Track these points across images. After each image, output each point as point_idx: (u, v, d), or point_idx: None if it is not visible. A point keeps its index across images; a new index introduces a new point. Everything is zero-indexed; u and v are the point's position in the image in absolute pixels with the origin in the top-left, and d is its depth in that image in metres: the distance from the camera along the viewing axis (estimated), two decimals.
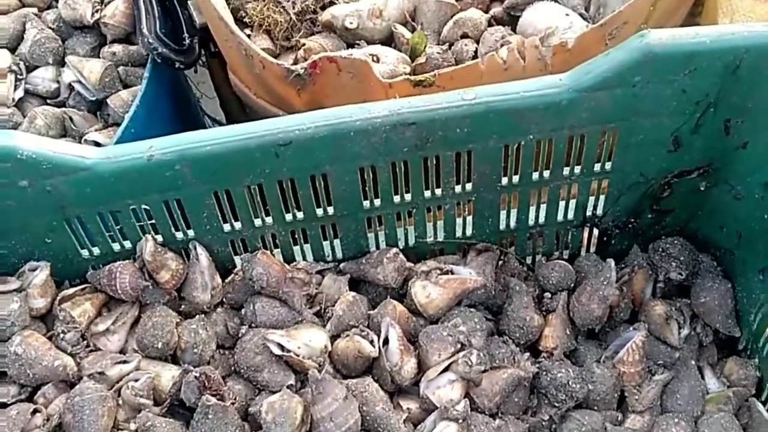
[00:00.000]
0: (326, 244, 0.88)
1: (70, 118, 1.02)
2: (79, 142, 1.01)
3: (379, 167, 0.80)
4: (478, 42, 1.02)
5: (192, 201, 0.79)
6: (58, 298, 0.81)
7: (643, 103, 0.78)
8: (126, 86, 1.05)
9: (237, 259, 0.86)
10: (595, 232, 0.92)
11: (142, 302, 0.83)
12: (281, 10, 1.01)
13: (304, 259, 0.88)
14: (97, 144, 0.99)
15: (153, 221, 0.80)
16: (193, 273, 0.83)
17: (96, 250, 0.83)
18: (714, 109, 0.80)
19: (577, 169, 0.85)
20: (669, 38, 0.74)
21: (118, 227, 0.80)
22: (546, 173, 0.84)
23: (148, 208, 0.79)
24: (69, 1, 1.06)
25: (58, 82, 1.06)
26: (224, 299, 0.85)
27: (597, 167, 0.85)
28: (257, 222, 0.83)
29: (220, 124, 1.28)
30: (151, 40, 0.97)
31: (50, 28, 1.07)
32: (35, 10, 1.08)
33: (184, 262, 0.83)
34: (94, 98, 1.04)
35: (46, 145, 0.73)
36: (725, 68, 0.76)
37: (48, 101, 1.06)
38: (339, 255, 0.89)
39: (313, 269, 0.86)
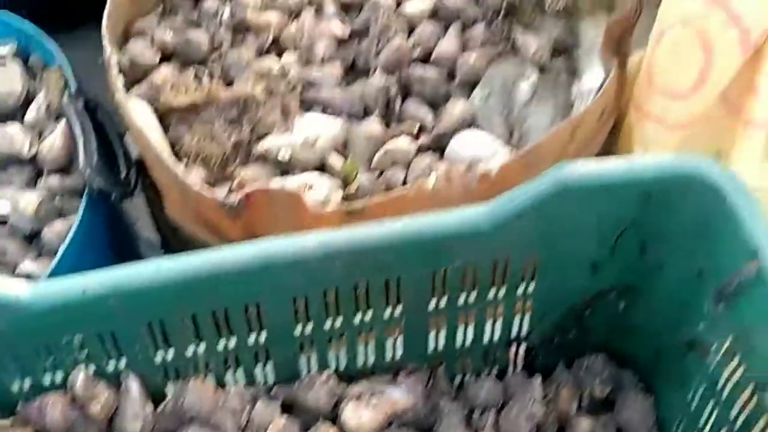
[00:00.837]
0: (258, 368, 0.89)
1: (4, 251, 1.03)
2: (13, 272, 1.02)
3: (311, 295, 0.82)
4: (407, 168, 1.07)
5: (125, 332, 0.80)
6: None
7: (561, 230, 0.83)
8: (61, 215, 1.06)
9: (170, 386, 0.87)
10: (522, 349, 0.95)
11: None
12: (217, 142, 1.04)
13: (236, 383, 0.89)
14: (28, 276, 1.00)
15: (85, 350, 0.81)
16: (124, 402, 0.83)
17: (27, 383, 0.82)
18: (630, 233, 0.85)
19: (502, 292, 0.88)
20: (584, 170, 0.80)
21: (51, 358, 0.81)
22: (472, 297, 0.88)
23: (81, 337, 0.80)
24: (6, 137, 1.09)
25: None
26: (155, 428, 0.85)
27: (520, 290, 0.89)
28: (190, 350, 0.84)
29: (155, 247, 1.29)
30: (88, 174, 0.99)
31: None
32: None
33: (116, 392, 0.84)
34: (30, 229, 1.05)
35: None
36: (638, 196, 0.82)
37: None
38: (271, 379, 0.90)
39: (246, 395, 0.87)
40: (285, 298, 0.82)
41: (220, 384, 0.88)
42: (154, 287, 0.77)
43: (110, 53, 1.06)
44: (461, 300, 0.88)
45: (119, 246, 1.15)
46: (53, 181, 1.08)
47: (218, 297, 0.80)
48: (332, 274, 0.81)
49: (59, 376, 0.83)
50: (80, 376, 0.81)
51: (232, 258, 0.78)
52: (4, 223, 1.06)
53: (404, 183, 1.06)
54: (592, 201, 0.81)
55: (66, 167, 1.10)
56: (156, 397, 0.86)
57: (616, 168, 0.80)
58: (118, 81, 1.04)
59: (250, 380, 0.89)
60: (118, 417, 0.83)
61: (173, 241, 1.15)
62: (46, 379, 0.83)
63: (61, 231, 1.04)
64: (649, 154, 1.04)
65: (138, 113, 1.02)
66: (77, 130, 1.03)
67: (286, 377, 0.90)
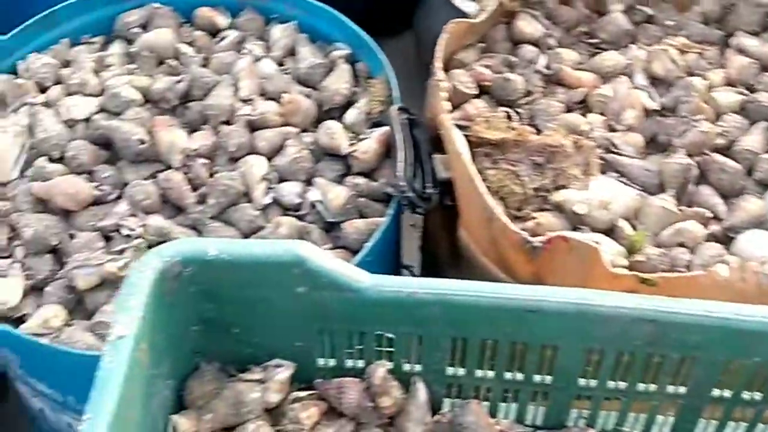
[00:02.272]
0: (531, 408, 0.93)
1: (308, 233, 1.12)
2: None
3: (608, 352, 0.85)
4: (692, 253, 1.08)
5: (432, 340, 0.86)
6: (291, 397, 0.88)
7: None
8: (361, 216, 1.15)
9: (446, 402, 0.92)
10: None
11: (358, 421, 0.89)
12: (520, 182, 1.10)
13: (506, 417, 0.93)
14: None
15: (390, 348, 0.88)
16: (411, 406, 0.89)
17: (331, 362, 0.90)
18: None
19: None
20: None
21: (359, 347, 0.88)
22: (757, 395, 0.88)
23: (392, 336, 0.86)
24: (329, 130, 1.19)
25: (301, 198, 1.16)
26: None
27: None
28: (479, 373, 0.90)
29: (410, 268, 1.35)
30: (402, 184, 1.07)
31: (306, 149, 1.18)
32: (297, 130, 1.21)
33: (405, 392, 0.90)
34: (332, 220, 1.14)
35: (331, 262, 0.82)
36: None
37: (287, 213, 1.16)
38: (538, 422, 0.94)
39: (515, 431, 0.91)
40: (583, 348, 0.85)
41: (491, 413, 0.92)
42: (472, 305, 0.82)
43: (440, 78, 1.14)
44: (746, 396, 0.88)
45: (392, 257, 1.23)
46: (360, 181, 1.17)
47: (524, 331, 0.84)
48: (636, 338, 0.83)
49: (360, 364, 0.90)
50: (380, 371, 0.88)
51: (546, 296, 0.82)
52: (311, 210, 1.15)
53: (687, 267, 1.07)
54: None
55: (372, 171, 1.18)
56: (432, 408, 0.91)
57: None
58: (444, 104, 1.12)
59: (519, 418, 0.93)
60: (402, 417, 0.89)
61: (444, 265, 1.21)
62: (348, 364, 0.90)
63: (361, 228, 1.12)
64: None
65: (458, 138, 1.09)
66: (399, 142, 1.11)
67: (552, 425, 0.93)
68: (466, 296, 0.82)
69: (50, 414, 1.19)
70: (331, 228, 1.16)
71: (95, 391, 0.72)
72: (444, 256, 1.23)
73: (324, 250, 0.82)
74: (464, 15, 1.32)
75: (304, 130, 1.23)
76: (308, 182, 1.18)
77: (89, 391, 1.08)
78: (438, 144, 1.16)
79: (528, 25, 1.28)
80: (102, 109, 1.22)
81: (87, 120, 1.21)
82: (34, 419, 1.31)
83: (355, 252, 1.12)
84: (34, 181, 1.15)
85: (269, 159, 1.19)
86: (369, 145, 1.18)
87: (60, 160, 1.18)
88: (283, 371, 0.88)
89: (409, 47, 1.80)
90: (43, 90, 1.25)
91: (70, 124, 1.20)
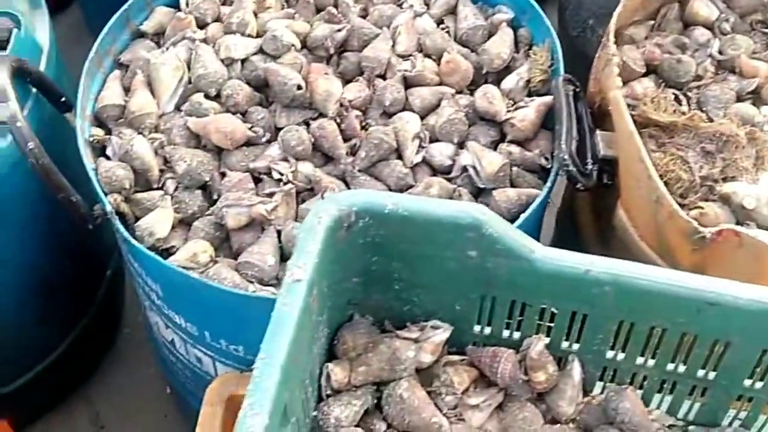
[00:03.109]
0: (687, 403, 0.89)
1: (459, 196, 1.10)
2: None
3: None
4: None
5: (596, 321, 0.83)
6: (444, 360, 0.86)
7: None
8: (512, 185, 1.12)
9: (598, 384, 0.90)
10: None
11: (508, 392, 0.87)
12: (687, 168, 1.05)
13: (659, 408, 0.90)
14: None
15: (550, 324, 0.85)
16: (564, 384, 0.87)
17: (487, 330, 0.88)
18: None
19: None
20: None
21: (519, 318, 0.86)
22: None
23: (555, 311, 0.84)
24: (487, 95, 1.16)
25: (452, 160, 1.14)
26: (579, 415, 0.88)
27: None
28: (640, 360, 0.86)
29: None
30: (566, 157, 1.03)
31: (462, 111, 1.16)
32: (453, 91, 1.18)
33: (558, 370, 0.87)
34: (482, 186, 1.11)
35: (508, 229, 0.80)
36: None
37: (436, 174, 1.14)
38: (691, 417, 0.90)
39: (666, 423, 0.88)
40: (758, 348, 0.81)
41: (644, 401, 0.89)
42: (647, 290, 0.79)
43: (613, 52, 1.10)
44: None
45: (537, 229, 1.20)
46: (514, 150, 1.14)
47: (698, 323, 0.81)
48: None
49: (516, 336, 0.88)
50: (539, 344, 0.85)
51: (727, 291, 0.79)
52: (461, 173, 1.13)
53: None
54: None
55: (527, 141, 1.15)
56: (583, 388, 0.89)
57: None
58: (616, 80, 1.07)
59: (671, 410, 0.90)
60: (554, 395, 0.87)
61: (593, 240, 1.18)
62: (504, 334, 0.88)
63: (511, 197, 1.09)
64: None
65: (628, 116, 1.05)
66: (564, 114, 1.07)
67: (705, 422, 0.90)
68: (644, 280, 0.79)
69: (180, 346, 1.21)
70: (478, 194, 1.14)
71: (270, 331, 0.71)
72: (589, 234, 1.19)
73: (504, 220, 0.79)
74: None
75: (459, 92, 1.20)
76: (460, 145, 1.16)
77: (228, 328, 1.11)
78: (598, 119, 1.12)
79: (703, 7, 1.22)
80: (260, 51, 1.21)
81: (243, 60, 1.21)
82: (159, 349, 1.33)
83: None
84: (189, 116, 1.16)
85: (422, 117, 1.17)
86: (527, 113, 1.14)
87: (215, 98, 1.18)
88: (441, 333, 0.86)
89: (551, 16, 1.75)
90: (201, 26, 1.25)
91: (227, 62, 1.20)
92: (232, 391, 1.08)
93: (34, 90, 1.14)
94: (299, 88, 1.16)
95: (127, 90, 1.20)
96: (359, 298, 0.88)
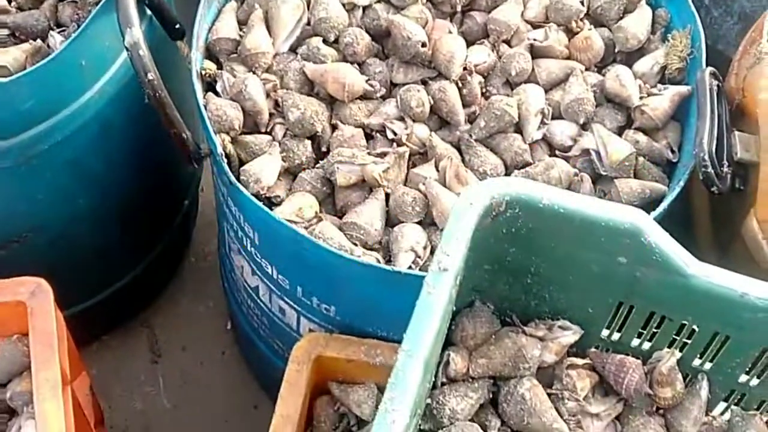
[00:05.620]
0: None
1: (581, 182, 1.05)
2: None
3: None
4: None
5: (742, 344, 0.79)
6: (566, 363, 0.83)
7: None
8: (635, 176, 1.07)
9: (720, 404, 0.86)
10: None
11: (629, 403, 0.84)
12: None
13: None
14: None
15: (686, 340, 0.81)
16: (690, 403, 0.83)
17: (615, 336, 0.84)
18: None
19: None
20: None
21: (655, 330, 0.81)
22: None
23: (696, 329, 0.79)
24: (619, 77, 1.09)
25: (573, 140, 1.09)
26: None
27: None
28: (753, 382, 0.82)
29: None
30: (705, 158, 0.98)
31: (590, 90, 1.10)
32: (582, 67, 1.12)
33: (684, 389, 0.83)
34: (603, 173, 1.06)
35: (667, 240, 0.75)
36: None
37: (554, 154, 1.09)
38: None
39: None
40: None
41: None
42: None
43: (766, 50, 1.03)
44: None
45: None
46: (641, 138, 1.08)
47: None
48: None
49: (645, 346, 0.84)
50: (671, 360, 0.82)
51: None
52: (581, 156, 1.08)
53: None
54: None
55: (655, 130, 1.09)
56: None
57: None
58: (766, 82, 1.01)
59: None
60: (676, 412, 0.83)
61: (709, 246, 1.13)
62: (634, 343, 0.84)
63: (634, 189, 1.04)
64: None
65: None
66: (706, 110, 1.01)
67: None
68: None
69: (264, 294, 1.18)
70: (597, 179, 1.08)
71: (415, 322, 0.67)
72: (703, 237, 1.14)
73: (663, 230, 0.74)
74: None
75: (587, 68, 1.14)
76: (583, 126, 1.10)
77: (323, 286, 1.07)
78: (734, 117, 1.06)
79: None
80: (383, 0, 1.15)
81: (365, 7, 1.14)
82: (234, 289, 1.31)
83: None
84: (305, 60, 1.10)
85: (545, 91, 1.11)
86: (661, 102, 1.08)
87: (333, 43, 1.13)
88: (570, 335, 0.82)
89: None
90: None
91: (349, 7, 1.14)
92: (320, 351, 1.05)
93: (148, 12, 1.09)
94: (423, 45, 1.10)
95: (241, 23, 1.14)
96: (484, 285, 0.84)
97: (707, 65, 1.09)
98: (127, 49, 0.94)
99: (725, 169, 1.02)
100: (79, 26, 1.14)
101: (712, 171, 0.99)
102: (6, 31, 1.15)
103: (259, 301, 1.21)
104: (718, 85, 1.05)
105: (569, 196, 0.75)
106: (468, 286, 0.83)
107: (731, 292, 0.75)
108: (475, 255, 0.79)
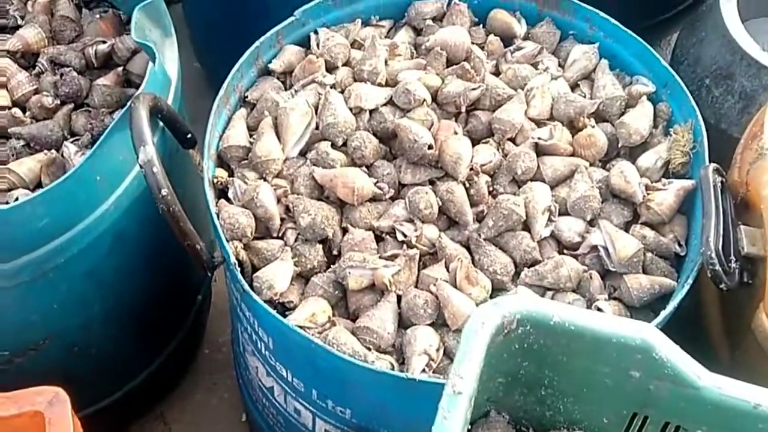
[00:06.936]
0: None
1: (590, 279, 1.06)
2: (588, 307, 1.05)
3: None
4: None
5: None
6: None
7: None
8: (643, 271, 1.08)
9: None
10: None
11: None
12: None
13: None
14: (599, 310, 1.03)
15: None
16: None
17: None
18: None
19: None
20: None
21: None
22: None
23: None
24: (623, 173, 1.11)
25: (582, 237, 1.10)
26: None
27: None
28: None
29: None
30: (713, 256, 0.99)
31: (596, 187, 1.11)
32: (586, 163, 1.14)
33: None
34: (612, 269, 1.07)
35: (678, 355, 0.75)
36: None
37: (563, 251, 1.10)
38: None
39: None
40: None
41: None
42: None
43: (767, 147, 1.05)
44: None
45: None
46: (648, 233, 1.09)
47: None
48: None
49: None
50: None
51: None
52: (589, 252, 1.09)
53: None
54: None
55: (661, 225, 1.11)
56: None
57: None
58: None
59: None
60: None
61: (716, 341, 1.13)
62: None
63: (644, 285, 1.05)
64: None
65: None
66: (712, 208, 1.02)
67: None
68: None
69: (279, 395, 1.18)
70: (606, 275, 1.09)
71: None
72: (715, 331, 1.14)
73: (675, 345, 0.75)
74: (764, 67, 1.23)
75: (591, 164, 1.16)
76: (590, 222, 1.12)
77: (338, 390, 1.08)
78: (739, 211, 1.07)
79: None
80: (389, 102, 1.18)
81: (372, 110, 1.17)
82: (249, 388, 1.31)
83: (627, 307, 1.06)
84: (315, 165, 1.13)
85: (551, 188, 1.13)
86: (666, 197, 1.10)
87: (341, 146, 1.15)
88: None
89: None
90: (330, 69, 1.22)
91: (356, 111, 1.17)
92: None
93: (161, 124, 1.12)
94: (430, 147, 1.12)
95: (251, 129, 1.17)
96: (499, 396, 0.84)
97: (709, 145, 1.12)
98: (141, 167, 0.97)
99: (733, 265, 1.03)
100: (92, 135, 1.18)
101: (720, 268, 1.00)
102: (21, 142, 1.19)
103: (274, 400, 1.21)
104: (722, 181, 1.06)
105: (579, 313, 0.76)
106: (483, 398, 0.84)
107: (744, 404, 0.75)
108: (489, 369, 0.79)
